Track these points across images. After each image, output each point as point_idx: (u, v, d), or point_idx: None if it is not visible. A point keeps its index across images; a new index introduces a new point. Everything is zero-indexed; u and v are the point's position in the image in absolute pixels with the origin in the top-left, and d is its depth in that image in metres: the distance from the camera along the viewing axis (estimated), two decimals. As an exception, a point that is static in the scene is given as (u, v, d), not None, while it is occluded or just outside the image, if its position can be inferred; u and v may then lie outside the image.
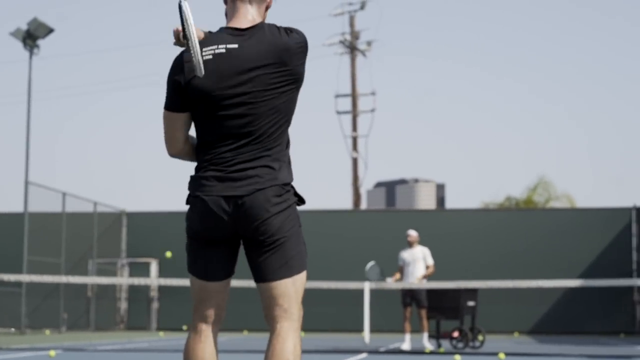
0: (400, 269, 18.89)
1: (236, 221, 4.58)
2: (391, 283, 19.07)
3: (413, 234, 18.98)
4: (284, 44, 4.55)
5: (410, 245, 18.90)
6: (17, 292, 27.78)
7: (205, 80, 4.53)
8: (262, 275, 4.63)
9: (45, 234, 28.80)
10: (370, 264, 19.24)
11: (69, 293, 29.80)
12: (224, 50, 4.54)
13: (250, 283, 20.08)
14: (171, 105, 4.66)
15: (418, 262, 18.71)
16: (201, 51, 4.54)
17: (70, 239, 29.86)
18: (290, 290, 4.62)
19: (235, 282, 17.17)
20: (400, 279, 18.88)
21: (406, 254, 18.87)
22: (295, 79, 4.64)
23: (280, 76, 4.58)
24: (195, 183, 4.66)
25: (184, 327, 28.34)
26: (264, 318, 4.70)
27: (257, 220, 4.55)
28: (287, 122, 4.70)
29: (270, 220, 4.56)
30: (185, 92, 4.59)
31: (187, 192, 4.74)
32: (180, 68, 4.62)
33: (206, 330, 4.72)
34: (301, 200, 4.83)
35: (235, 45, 4.55)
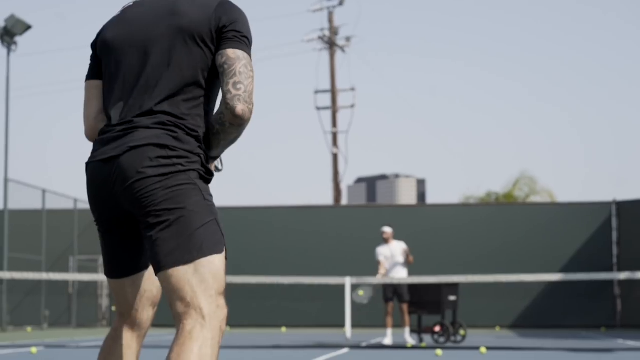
0: (380, 265, 18.88)
1: (115, 190, 3.77)
2: (373, 278, 19.11)
3: (388, 230, 19.02)
4: None
5: (386, 241, 18.94)
6: (-2, 290, 27.70)
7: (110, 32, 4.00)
8: (153, 261, 3.70)
9: (25, 231, 28.76)
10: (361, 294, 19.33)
11: (51, 290, 29.76)
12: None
13: (246, 279, 20.10)
14: (90, 73, 4.14)
15: (397, 256, 18.74)
16: None
17: (51, 236, 29.81)
18: (192, 279, 3.61)
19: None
20: (384, 274, 18.92)
21: (385, 250, 18.88)
22: None
23: None
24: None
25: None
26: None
27: (127, 182, 3.69)
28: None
29: (145, 185, 3.66)
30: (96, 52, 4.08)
31: None
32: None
33: (124, 332, 4.03)
34: (208, 172, 3.83)
35: None
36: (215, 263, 3.66)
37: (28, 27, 28.27)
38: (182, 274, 3.61)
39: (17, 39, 28.42)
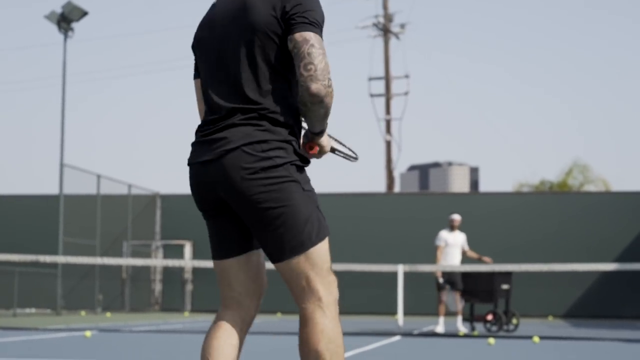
0: (439, 249, 18.57)
1: (216, 190, 3.96)
2: (426, 266, 19.04)
3: (458, 218, 18.73)
4: None
5: (452, 228, 18.70)
6: (53, 274, 28.03)
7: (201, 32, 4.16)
8: (270, 255, 3.97)
9: (80, 216, 29.02)
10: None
11: (104, 274, 30.03)
12: None
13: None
14: (194, 72, 4.30)
15: (458, 247, 18.58)
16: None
17: (105, 221, 30.07)
18: (306, 267, 3.91)
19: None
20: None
21: (449, 236, 18.60)
22: None
23: None
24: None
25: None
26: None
27: (228, 186, 3.89)
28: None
29: (246, 186, 3.85)
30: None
31: None
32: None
33: (227, 317, 4.08)
34: (303, 160, 4.01)
35: None
36: (322, 247, 3.96)
37: (84, 14, 28.48)
38: (297, 263, 3.91)
39: (74, 25, 28.65)
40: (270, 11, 3.93)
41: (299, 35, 3.87)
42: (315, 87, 3.81)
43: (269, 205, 3.86)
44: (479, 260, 18.96)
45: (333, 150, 4.35)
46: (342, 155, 4.41)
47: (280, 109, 3.94)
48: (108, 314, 28.06)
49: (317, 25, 3.92)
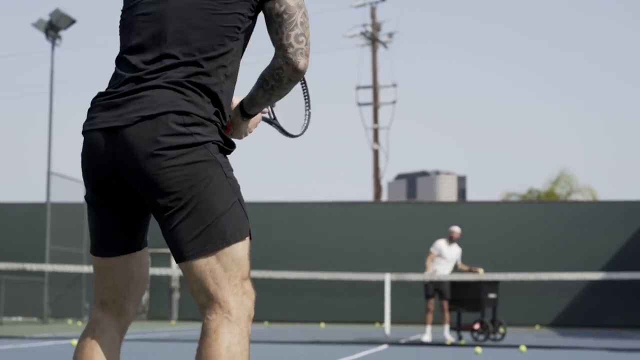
0: (430, 256, 18.48)
1: (119, 165, 3.27)
2: (413, 275, 19.02)
3: (458, 230, 18.65)
4: None
5: (451, 240, 18.64)
6: (39, 282, 27.96)
7: None
8: (173, 251, 3.27)
9: (67, 224, 28.96)
10: None
11: (91, 283, 29.93)
12: None
13: (266, 274, 20.12)
14: None
15: (452, 260, 18.56)
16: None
17: (92, 229, 29.99)
18: (215, 270, 3.24)
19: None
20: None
21: (446, 248, 18.52)
22: None
23: None
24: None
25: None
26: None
27: (138, 158, 3.20)
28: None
29: (160, 161, 3.18)
30: None
31: None
32: None
33: (107, 325, 3.50)
34: (228, 144, 3.36)
35: None
36: (239, 250, 3.28)
37: (72, 22, 28.48)
38: (204, 264, 3.24)
39: (62, 33, 28.64)
40: None
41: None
42: (304, 63, 3.33)
43: (179, 188, 3.20)
44: (470, 271, 18.94)
45: (268, 121, 3.77)
46: (278, 128, 3.80)
47: (218, 81, 3.32)
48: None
49: None
